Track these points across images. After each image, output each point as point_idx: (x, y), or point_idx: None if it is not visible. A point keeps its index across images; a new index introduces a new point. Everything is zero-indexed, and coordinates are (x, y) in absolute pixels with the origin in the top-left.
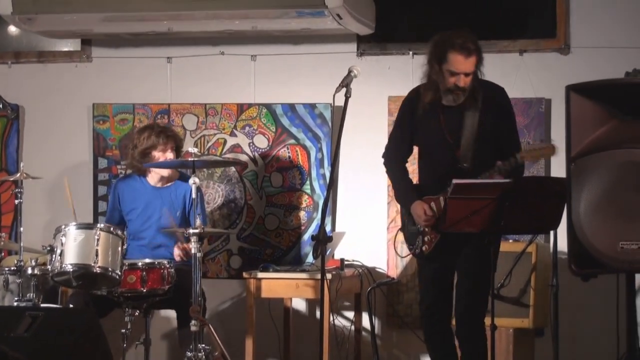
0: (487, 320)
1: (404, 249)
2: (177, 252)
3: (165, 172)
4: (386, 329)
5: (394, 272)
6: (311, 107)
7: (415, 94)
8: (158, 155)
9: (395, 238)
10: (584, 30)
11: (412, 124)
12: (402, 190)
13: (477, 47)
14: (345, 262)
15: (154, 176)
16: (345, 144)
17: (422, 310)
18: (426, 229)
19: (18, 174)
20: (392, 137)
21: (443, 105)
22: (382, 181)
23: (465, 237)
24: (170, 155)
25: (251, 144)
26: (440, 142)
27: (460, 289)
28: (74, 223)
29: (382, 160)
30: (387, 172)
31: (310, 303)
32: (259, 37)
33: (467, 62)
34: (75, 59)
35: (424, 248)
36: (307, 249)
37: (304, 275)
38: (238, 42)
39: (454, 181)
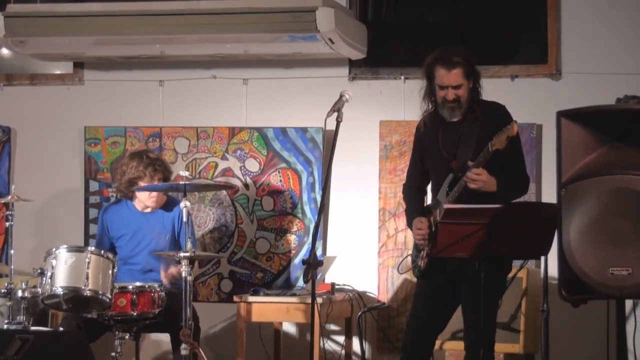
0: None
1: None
2: (163, 276)
3: (150, 201)
4: (376, 353)
5: (384, 297)
6: (303, 131)
7: (420, 121)
8: (144, 185)
9: (400, 262)
10: (575, 56)
11: (420, 148)
12: (408, 212)
13: (462, 60)
14: (336, 287)
15: (139, 203)
16: (336, 169)
17: (410, 327)
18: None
19: (9, 197)
20: (408, 168)
21: (444, 122)
22: (373, 205)
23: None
24: None
25: (242, 168)
26: (436, 156)
27: (465, 322)
28: (64, 246)
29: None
30: (404, 201)
31: (301, 327)
32: (251, 61)
33: (451, 74)
34: (67, 82)
35: (420, 264)
36: (298, 273)
37: (294, 299)
38: (230, 65)
39: (445, 206)
